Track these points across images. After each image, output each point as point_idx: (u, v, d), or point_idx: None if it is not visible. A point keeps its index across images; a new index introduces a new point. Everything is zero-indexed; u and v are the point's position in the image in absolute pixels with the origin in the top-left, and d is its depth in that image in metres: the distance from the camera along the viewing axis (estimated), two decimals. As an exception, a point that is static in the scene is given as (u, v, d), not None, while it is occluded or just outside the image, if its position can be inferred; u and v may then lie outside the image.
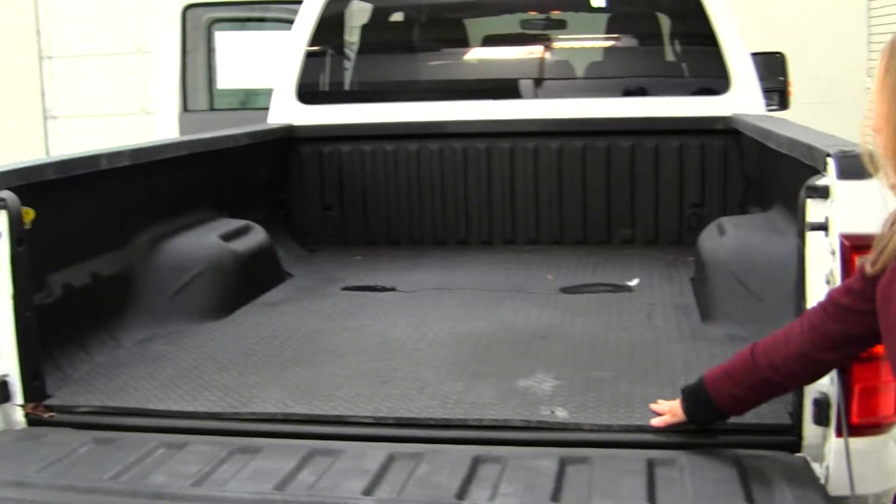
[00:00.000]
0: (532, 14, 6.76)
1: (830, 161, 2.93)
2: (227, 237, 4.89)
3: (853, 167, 2.83)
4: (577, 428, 3.13)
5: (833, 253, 2.86)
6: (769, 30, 11.86)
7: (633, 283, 5.02)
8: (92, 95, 14.59)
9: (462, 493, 2.72)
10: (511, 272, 5.37)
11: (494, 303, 4.71)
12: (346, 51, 6.65)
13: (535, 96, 6.27)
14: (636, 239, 5.96)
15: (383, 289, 5.12)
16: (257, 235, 5.19)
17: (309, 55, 6.26)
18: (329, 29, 6.39)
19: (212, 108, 8.13)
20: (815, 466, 2.88)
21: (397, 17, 7.09)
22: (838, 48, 13.01)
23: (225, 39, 8.07)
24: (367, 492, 2.74)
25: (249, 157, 5.80)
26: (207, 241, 4.79)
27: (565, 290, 4.94)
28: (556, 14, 6.76)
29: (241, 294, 4.82)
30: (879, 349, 2.58)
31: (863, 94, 13.02)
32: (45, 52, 15.18)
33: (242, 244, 4.97)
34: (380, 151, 6.15)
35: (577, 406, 3.27)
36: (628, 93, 6.16)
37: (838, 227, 2.84)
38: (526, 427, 3.15)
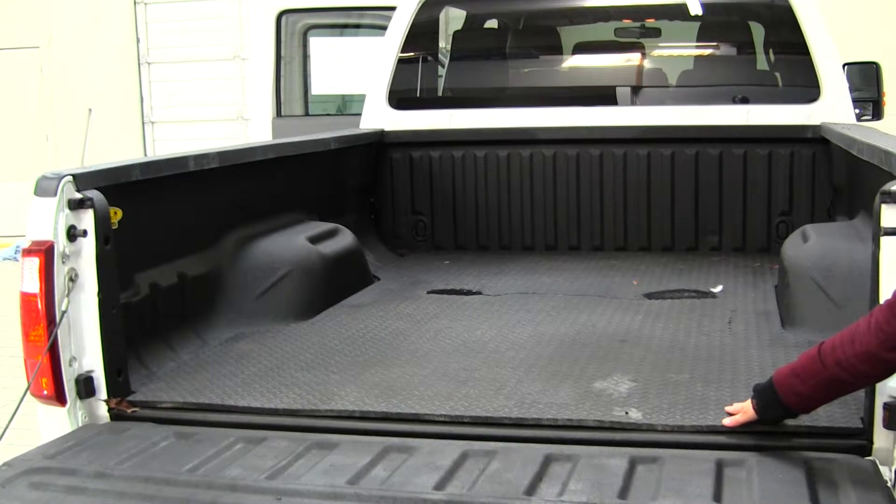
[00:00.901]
0: (626, 22, 6.78)
1: None
2: (315, 240, 4.96)
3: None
4: (650, 428, 3.13)
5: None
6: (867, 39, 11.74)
7: (718, 289, 5.00)
8: (190, 101, 14.88)
9: (531, 489, 2.74)
10: (597, 278, 5.37)
11: (578, 307, 4.72)
12: (439, 57, 6.71)
13: (626, 104, 6.25)
14: (723, 246, 5.92)
15: (469, 292, 5.15)
16: (345, 238, 5.25)
17: (401, 61, 6.33)
18: (421, 35, 6.47)
19: (307, 114, 8.25)
20: (885, 470, 2.86)
21: (490, 23, 7.14)
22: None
23: (319, 45, 8.19)
24: (439, 487, 2.77)
25: (340, 162, 5.89)
26: (295, 243, 4.86)
27: (649, 296, 4.94)
28: (650, 22, 6.76)
29: (328, 296, 4.88)
30: None
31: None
32: (145, 59, 15.51)
33: (329, 247, 5.04)
34: (470, 157, 6.19)
35: (651, 407, 3.27)
36: (719, 101, 6.13)
37: (911, 232, 2.83)
38: (599, 427, 3.16)
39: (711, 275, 5.33)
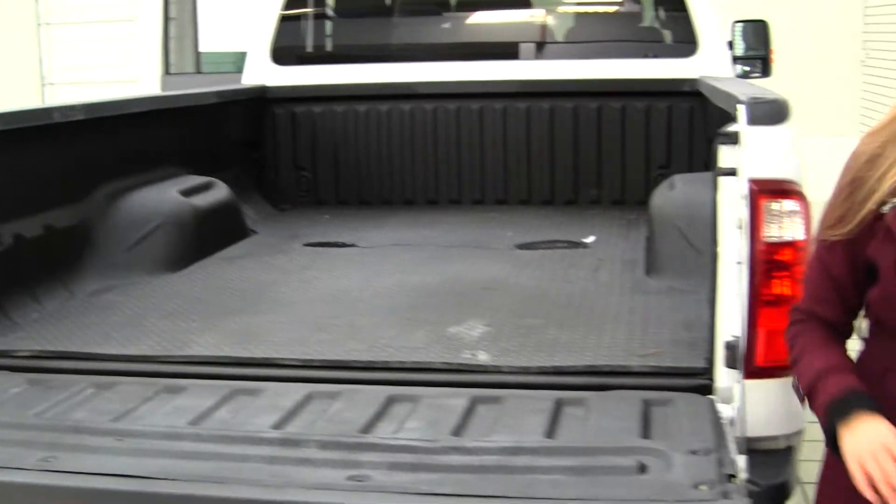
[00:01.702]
0: None
1: (741, 107, 2.96)
2: (188, 193, 4.94)
3: (763, 113, 2.88)
4: (496, 370, 3.18)
5: (744, 198, 2.90)
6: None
7: (590, 240, 5.06)
8: (89, 63, 14.66)
9: (368, 427, 2.78)
10: (473, 230, 5.42)
11: (449, 258, 4.76)
12: (321, 13, 6.69)
13: (507, 59, 6.28)
14: (603, 199, 5.99)
15: (343, 245, 5.17)
16: (220, 192, 5.24)
17: (285, 17, 6.30)
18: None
19: (198, 72, 8.19)
20: (725, 408, 2.93)
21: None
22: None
23: (208, 2, 8.13)
24: (277, 426, 2.80)
25: (218, 117, 5.86)
26: (167, 195, 4.84)
27: (521, 247, 4.99)
28: None
29: (200, 248, 4.87)
30: None
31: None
32: (44, 20, 15.26)
33: (203, 200, 5.02)
34: (351, 112, 6.19)
35: (500, 350, 3.32)
36: (596, 55, 6.18)
37: (747, 172, 2.88)
38: (446, 369, 3.21)
39: (587, 227, 5.39)
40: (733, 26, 7.48)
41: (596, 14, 6.75)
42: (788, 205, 2.83)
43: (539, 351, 3.30)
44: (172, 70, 7.82)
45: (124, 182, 4.78)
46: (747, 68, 7.57)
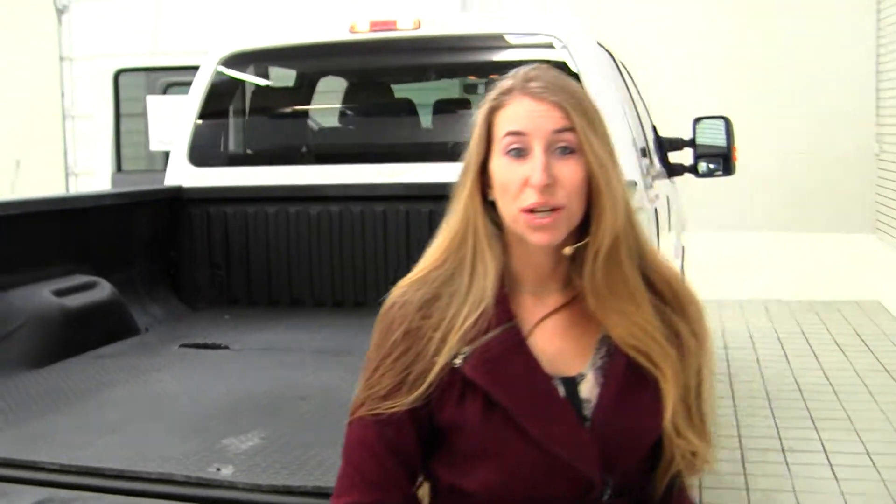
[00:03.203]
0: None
1: None
2: (63, 292, 5.09)
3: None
4: (230, 486, 3.21)
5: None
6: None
7: None
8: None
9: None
10: (356, 334, 5.45)
11: (302, 364, 4.80)
12: (239, 115, 6.87)
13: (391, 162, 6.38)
14: None
15: (216, 347, 5.23)
16: (101, 292, 5.36)
17: (204, 118, 6.50)
18: (224, 94, 6.63)
19: (148, 170, 8.40)
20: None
21: (282, 83, 7.29)
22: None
23: (155, 103, 8.36)
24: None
25: (126, 216, 6.01)
26: (36, 294, 4.99)
27: None
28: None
29: (67, 347, 4.99)
30: None
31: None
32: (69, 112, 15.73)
33: (77, 299, 5.15)
34: (262, 213, 6.32)
35: (253, 464, 3.34)
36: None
37: None
38: (184, 482, 3.26)
39: None
40: (694, 123, 7.54)
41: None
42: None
43: (299, 469, 3.33)
44: (125, 167, 8.05)
45: (5, 279, 4.94)
46: (712, 166, 7.62)
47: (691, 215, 12.99)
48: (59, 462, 3.41)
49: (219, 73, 6.48)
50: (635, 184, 5.65)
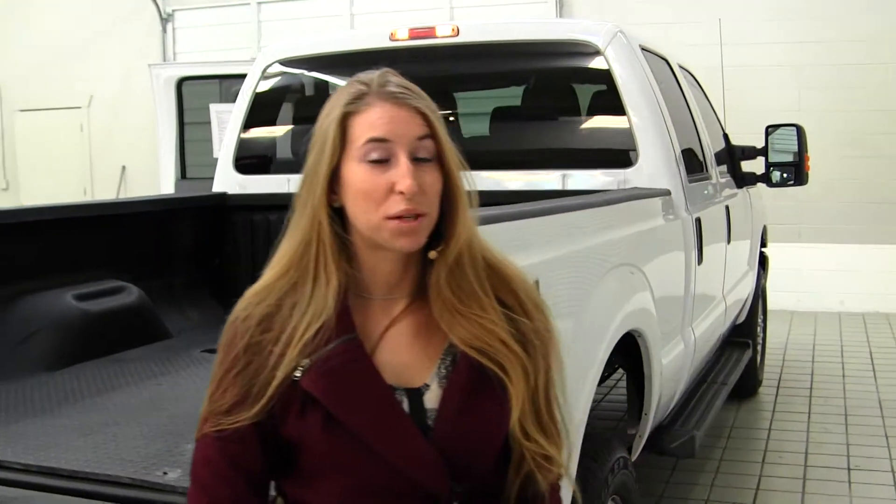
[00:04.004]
0: None
1: None
2: (87, 297, 5.18)
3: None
4: (171, 490, 3.25)
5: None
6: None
7: None
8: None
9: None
10: None
11: None
12: (285, 123, 6.92)
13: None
14: None
15: None
16: (127, 297, 5.44)
17: (250, 127, 6.57)
18: (270, 103, 6.69)
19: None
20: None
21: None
22: None
23: (218, 111, 8.46)
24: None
25: (171, 223, 6.12)
26: (58, 299, 5.09)
27: None
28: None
29: (87, 350, 5.09)
30: None
31: None
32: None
33: (100, 304, 5.25)
34: None
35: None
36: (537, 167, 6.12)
37: None
38: (130, 484, 3.29)
39: None
40: (767, 131, 7.33)
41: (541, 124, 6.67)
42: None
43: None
44: (189, 175, 8.17)
45: (35, 284, 5.05)
46: (784, 175, 7.41)
47: (805, 225, 12.86)
48: (22, 462, 3.49)
49: (264, 82, 6.54)
50: (669, 192, 5.52)
